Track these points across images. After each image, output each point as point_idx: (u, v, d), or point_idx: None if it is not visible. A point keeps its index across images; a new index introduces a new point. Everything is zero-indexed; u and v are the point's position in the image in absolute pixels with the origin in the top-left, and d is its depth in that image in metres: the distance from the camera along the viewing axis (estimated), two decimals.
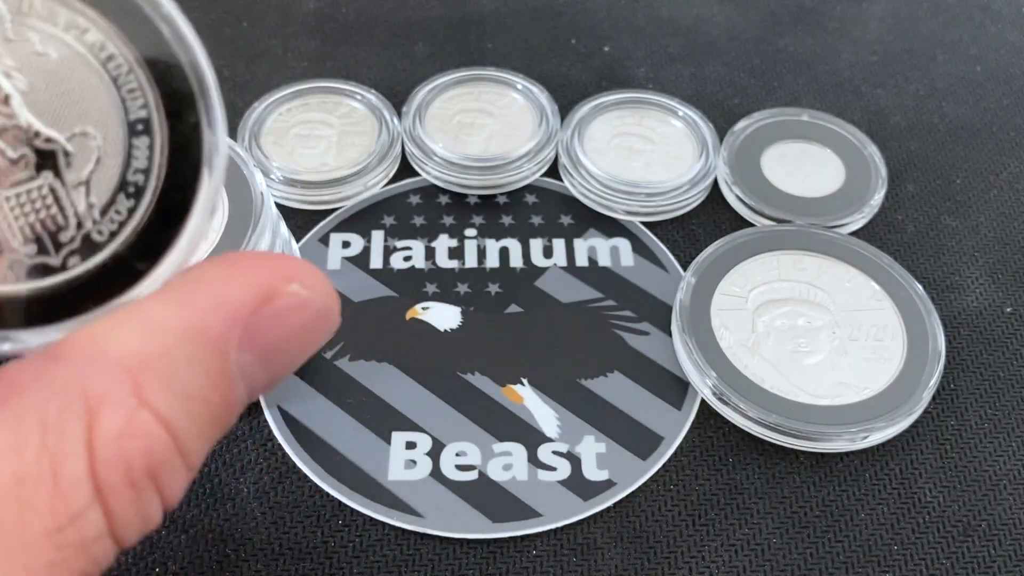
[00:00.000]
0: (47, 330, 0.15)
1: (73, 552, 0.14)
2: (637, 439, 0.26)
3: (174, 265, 0.16)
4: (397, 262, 0.30)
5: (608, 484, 0.25)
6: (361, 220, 0.32)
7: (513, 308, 0.29)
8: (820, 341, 0.27)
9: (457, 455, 0.26)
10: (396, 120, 0.33)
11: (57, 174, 0.15)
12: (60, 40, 0.15)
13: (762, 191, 0.32)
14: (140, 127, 0.15)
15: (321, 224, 0.31)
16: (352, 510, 0.25)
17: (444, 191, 0.33)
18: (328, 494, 0.25)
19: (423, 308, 0.29)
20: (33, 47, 0.15)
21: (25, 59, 0.15)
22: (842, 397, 0.26)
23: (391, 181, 0.33)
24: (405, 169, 0.33)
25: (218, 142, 0.15)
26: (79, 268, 0.15)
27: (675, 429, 0.27)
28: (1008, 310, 0.30)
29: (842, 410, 0.26)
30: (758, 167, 0.33)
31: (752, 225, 0.32)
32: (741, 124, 0.34)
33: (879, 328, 0.28)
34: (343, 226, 0.31)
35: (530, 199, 0.32)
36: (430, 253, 0.31)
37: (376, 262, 0.30)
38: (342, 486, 0.25)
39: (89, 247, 0.16)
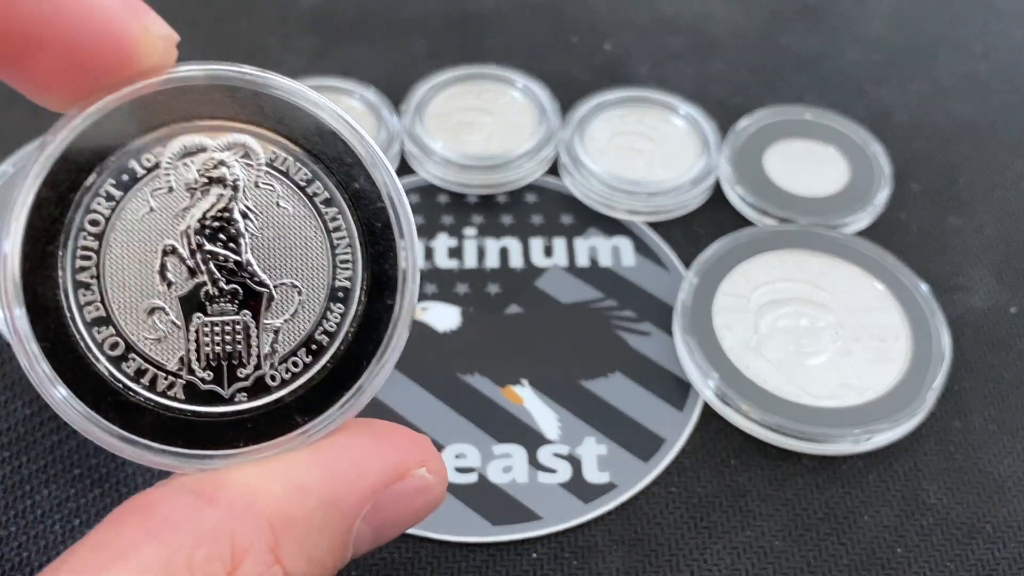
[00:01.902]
0: (208, 454, 0.16)
1: None
2: (638, 441, 0.26)
3: (330, 426, 0.17)
4: None
5: (609, 486, 0.25)
6: None
7: (513, 308, 0.29)
8: (823, 342, 0.27)
9: (456, 457, 0.26)
10: (395, 118, 0.33)
11: (256, 315, 0.16)
12: (300, 198, 0.17)
13: (764, 190, 0.32)
14: (340, 295, 0.17)
15: None
16: None
17: (443, 190, 0.32)
18: None
19: (422, 308, 0.29)
20: (274, 198, 0.17)
21: (264, 206, 0.17)
22: (845, 398, 0.26)
23: None
24: (404, 168, 0.33)
25: (401, 337, 0.17)
26: (243, 405, 0.16)
27: (677, 431, 0.26)
28: (1013, 310, 0.30)
29: (845, 412, 0.26)
30: (760, 166, 0.32)
31: (754, 224, 0.31)
32: (743, 122, 0.33)
33: (883, 329, 0.27)
34: None
35: (530, 198, 0.32)
36: (429, 253, 0.31)
37: None
38: None
39: (259, 388, 0.17)
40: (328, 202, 0.17)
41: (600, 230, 0.31)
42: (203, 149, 0.16)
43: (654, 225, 0.31)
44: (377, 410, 0.26)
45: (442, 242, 0.31)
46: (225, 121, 0.16)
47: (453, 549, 0.24)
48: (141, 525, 0.15)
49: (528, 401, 0.27)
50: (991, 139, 0.35)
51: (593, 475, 0.25)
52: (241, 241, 0.16)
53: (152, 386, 0.16)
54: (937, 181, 0.33)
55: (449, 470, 0.25)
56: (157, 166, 0.16)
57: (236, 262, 0.16)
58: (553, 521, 0.24)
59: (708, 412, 0.27)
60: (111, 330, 0.16)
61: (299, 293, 0.17)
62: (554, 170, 0.33)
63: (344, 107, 0.33)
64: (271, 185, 0.17)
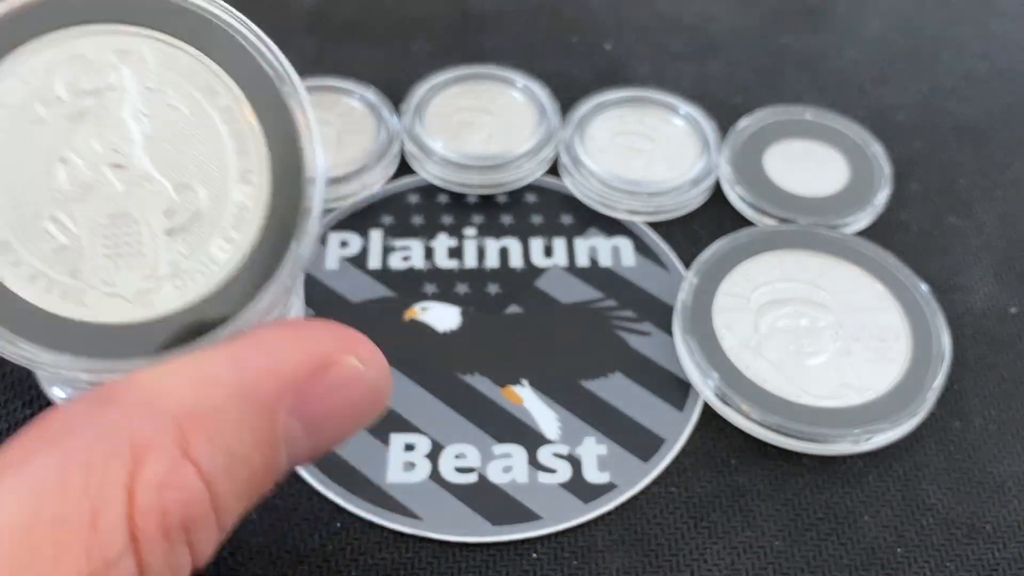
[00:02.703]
0: (117, 363, 0.16)
1: None
2: (638, 441, 0.26)
3: (242, 326, 0.16)
4: (396, 262, 0.30)
5: (609, 486, 0.25)
6: (359, 219, 0.31)
7: (513, 308, 0.29)
8: (823, 342, 0.27)
9: (456, 457, 0.26)
10: (395, 118, 0.33)
11: (156, 218, 0.16)
12: (194, 99, 0.16)
13: (765, 190, 0.32)
14: (243, 195, 0.16)
15: None
16: (350, 513, 0.25)
17: (443, 190, 0.32)
18: (326, 497, 0.25)
19: (422, 309, 0.29)
20: (168, 99, 0.16)
21: (158, 109, 0.16)
22: (846, 398, 0.26)
23: (390, 180, 0.33)
24: (404, 168, 0.33)
25: (310, 235, 0.16)
26: (150, 310, 0.16)
27: (677, 431, 0.26)
28: (1013, 311, 0.30)
29: (846, 412, 0.26)
30: (761, 166, 0.32)
31: (754, 224, 0.31)
32: (743, 122, 0.33)
33: (883, 329, 0.27)
34: (341, 225, 0.31)
35: (530, 198, 0.32)
36: (429, 253, 0.31)
37: (374, 262, 0.30)
38: (340, 489, 0.25)
39: (166, 292, 0.16)
40: (221, 98, 0.16)
41: (600, 230, 0.31)
42: (89, 54, 0.16)
43: (654, 225, 0.31)
44: None
45: (442, 242, 0.31)
46: (117, 25, 0.16)
47: (453, 549, 0.24)
48: (40, 436, 0.15)
49: (528, 401, 0.27)
50: (991, 139, 0.35)
51: (593, 475, 0.25)
52: (134, 146, 0.16)
53: (50, 294, 0.16)
54: (937, 181, 0.33)
55: (449, 470, 0.25)
56: (46, 73, 0.16)
57: (131, 167, 0.16)
58: (553, 521, 0.24)
59: (708, 412, 0.27)
60: (8, 239, 0.16)
61: (199, 194, 0.16)
62: (554, 170, 0.33)
63: (344, 107, 0.33)
64: (163, 89, 0.16)
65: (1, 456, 0.15)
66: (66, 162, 0.16)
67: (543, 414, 0.27)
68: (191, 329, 0.16)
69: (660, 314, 0.29)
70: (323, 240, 0.31)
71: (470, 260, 0.30)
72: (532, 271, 0.30)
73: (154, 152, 0.16)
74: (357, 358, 0.17)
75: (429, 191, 0.32)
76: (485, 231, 0.31)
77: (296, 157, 0.16)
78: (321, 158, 0.17)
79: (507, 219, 0.32)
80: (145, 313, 0.16)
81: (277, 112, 0.16)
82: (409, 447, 0.26)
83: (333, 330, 0.17)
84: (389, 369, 0.17)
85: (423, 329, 0.29)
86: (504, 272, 0.30)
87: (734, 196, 0.32)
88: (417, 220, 0.31)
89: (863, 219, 0.31)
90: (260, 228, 0.16)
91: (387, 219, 0.31)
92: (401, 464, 0.25)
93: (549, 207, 0.32)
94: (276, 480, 0.16)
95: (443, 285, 0.30)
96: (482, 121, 0.33)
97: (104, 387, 0.15)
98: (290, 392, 0.16)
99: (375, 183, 0.32)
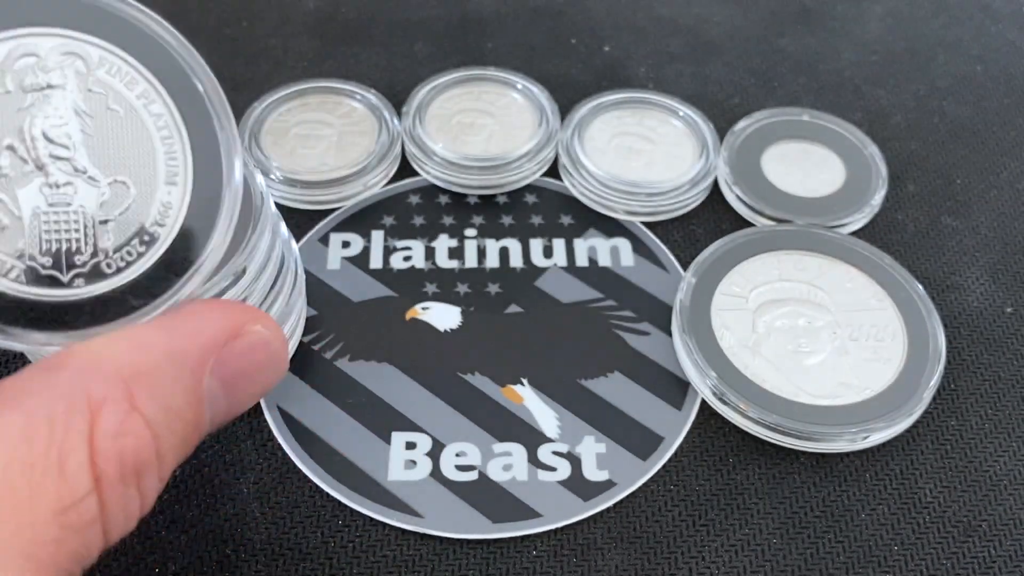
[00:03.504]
0: (48, 336, 0.18)
1: (72, 534, 0.16)
2: (637, 439, 0.26)
3: (165, 306, 0.19)
4: (397, 262, 0.30)
5: (608, 484, 0.25)
6: (361, 220, 0.32)
7: (513, 308, 0.29)
8: (821, 341, 0.27)
9: (457, 455, 0.26)
10: (396, 120, 0.33)
11: (90, 209, 0.18)
12: (130, 104, 0.18)
13: (762, 191, 0.32)
14: (169, 194, 0.18)
15: (321, 224, 0.31)
16: (352, 510, 0.25)
17: (444, 191, 0.33)
18: (328, 494, 0.25)
19: (423, 308, 0.29)
20: (107, 102, 0.18)
21: (98, 110, 0.18)
22: (842, 397, 0.26)
23: (391, 181, 0.33)
24: (405, 169, 0.33)
25: (230, 221, 0.19)
26: (81, 290, 0.18)
27: (675, 429, 0.27)
28: (1008, 310, 0.30)
29: (842, 410, 0.26)
30: (758, 167, 0.33)
31: (752, 225, 0.32)
32: (741, 124, 0.34)
33: (880, 328, 0.28)
34: (343, 226, 0.31)
35: (530, 199, 0.32)
36: (430, 253, 0.31)
37: (376, 262, 0.30)
38: (342, 486, 0.25)
39: (96, 275, 0.18)
40: (155, 105, 0.18)
41: (599, 230, 0.31)
42: (39, 54, 0.18)
43: (653, 225, 0.32)
44: (377, 408, 0.27)
45: (443, 242, 0.31)
46: (61, 29, 0.18)
47: (454, 546, 0.24)
48: None
49: (528, 400, 0.27)
50: (987, 140, 0.35)
51: (592, 473, 0.26)
52: (75, 141, 0.18)
53: (5, 275, 0.17)
54: (933, 182, 0.33)
55: (450, 468, 0.26)
56: None
57: (71, 160, 0.18)
58: (553, 519, 0.25)
59: (706, 411, 0.27)
60: None
61: (131, 190, 0.18)
62: (554, 171, 0.33)
63: (346, 108, 0.33)
64: (102, 91, 0.18)
65: None
66: (11, 149, 0.18)
67: (543, 413, 0.27)
68: (118, 310, 0.18)
69: (659, 314, 0.29)
70: (325, 241, 0.31)
71: (470, 260, 0.31)
72: (532, 271, 0.30)
73: (92, 149, 0.18)
74: (262, 327, 0.19)
75: (430, 192, 0.32)
76: (485, 231, 0.31)
77: (216, 165, 0.19)
78: (238, 168, 0.19)
79: (507, 219, 0.32)
80: (77, 293, 0.18)
81: (203, 123, 0.19)
82: (410, 445, 0.26)
83: (241, 306, 0.20)
84: (286, 339, 0.20)
85: (424, 328, 0.29)
86: (504, 272, 0.30)
87: (732, 197, 0.32)
88: (418, 220, 0.32)
89: (860, 220, 0.32)
90: (180, 225, 0.19)
91: (388, 220, 0.32)
92: (402, 462, 0.26)
93: (549, 208, 0.32)
94: (201, 437, 0.19)
95: (444, 285, 0.30)
96: (482, 122, 0.33)
97: (50, 357, 0.17)
98: (212, 355, 0.18)
99: (376, 184, 0.32)
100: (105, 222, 0.18)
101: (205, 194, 0.19)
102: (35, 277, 0.18)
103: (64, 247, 0.18)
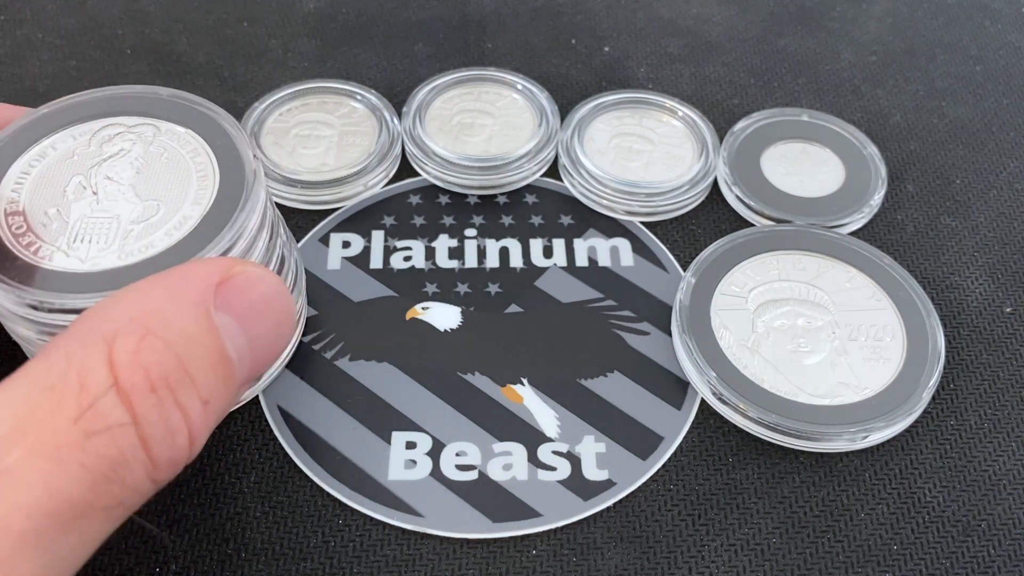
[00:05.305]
0: (75, 297, 0.21)
1: (96, 435, 0.16)
2: (637, 439, 0.26)
3: None
4: (397, 262, 0.31)
5: (608, 484, 0.25)
6: (361, 220, 0.32)
7: (513, 308, 0.29)
8: (820, 341, 0.28)
9: (457, 455, 0.26)
10: (396, 120, 0.33)
11: (125, 219, 0.23)
12: (180, 155, 0.24)
13: (762, 191, 0.32)
14: (191, 211, 0.23)
15: (321, 224, 0.31)
16: (352, 510, 0.25)
17: (444, 191, 0.33)
18: (328, 494, 0.25)
19: (423, 308, 0.29)
20: (161, 153, 0.24)
21: (152, 158, 0.24)
22: (842, 397, 0.26)
23: (391, 181, 0.33)
24: (405, 169, 0.33)
25: (249, 218, 0.23)
26: (94, 267, 0.22)
27: (675, 429, 0.27)
28: (1008, 310, 0.30)
29: (842, 410, 0.26)
30: (758, 167, 0.33)
31: (752, 225, 0.32)
32: (741, 124, 0.34)
33: (879, 328, 0.28)
34: (343, 226, 0.31)
35: (530, 199, 0.32)
36: (430, 253, 0.31)
37: (376, 262, 0.30)
38: (342, 486, 0.25)
39: (110, 259, 0.22)
40: (199, 157, 0.24)
41: (599, 230, 0.31)
42: (118, 125, 0.25)
43: (652, 225, 0.32)
44: (377, 407, 0.27)
45: (443, 242, 0.31)
46: (139, 117, 0.25)
47: (454, 545, 0.24)
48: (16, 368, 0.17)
49: (528, 400, 0.27)
50: (986, 140, 0.35)
51: (592, 473, 0.26)
52: (126, 176, 0.24)
53: (36, 253, 0.22)
54: (932, 182, 0.34)
55: (450, 468, 0.26)
56: (89, 136, 0.25)
57: (118, 186, 0.23)
58: (553, 518, 0.25)
59: (706, 410, 0.27)
60: (20, 220, 0.23)
61: (160, 206, 0.23)
62: (554, 171, 0.33)
63: (346, 109, 0.34)
64: (161, 148, 0.24)
65: None
66: (78, 183, 0.23)
67: (543, 412, 0.27)
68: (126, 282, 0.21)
69: (658, 314, 0.29)
70: (325, 241, 0.31)
71: (470, 260, 0.31)
72: (532, 271, 0.30)
73: (138, 181, 0.24)
74: (252, 268, 0.20)
75: (430, 192, 0.33)
76: (485, 231, 0.31)
77: (238, 191, 0.23)
78: (262, 194, 0.24)
79: (507, 219, 0.32)
80: (89, 268, 0.22)
81: (232, 158, 0.24)
82: (410, 445, 0.26)
83: (228, 257, 0.22)
84: (281, 279, 0.21)
85: (424, 328, 0.29)
86: (504, 272, 0.30)
87: (732, 197, 0.32)
88: (418, 221, 0.32)
89: (859, 220, 0.32)
90: (192, 231, 0.22)
91: (388, 220, 0.32)
92: (403, 461, 0.26)
93: (549, 208, 0.32)
94: (234, 373, 0.19)
95: (444, 285, 0.30)
96: (482, 123, 0.33)
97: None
98: (210, 291, 0.19)
99: (377, 184, 0.32)
100: (133, 229, 0.23)
101: (220, 213, 0.23)
102: (63, 260, 0.22)
103: (94, 242, 0.22)
